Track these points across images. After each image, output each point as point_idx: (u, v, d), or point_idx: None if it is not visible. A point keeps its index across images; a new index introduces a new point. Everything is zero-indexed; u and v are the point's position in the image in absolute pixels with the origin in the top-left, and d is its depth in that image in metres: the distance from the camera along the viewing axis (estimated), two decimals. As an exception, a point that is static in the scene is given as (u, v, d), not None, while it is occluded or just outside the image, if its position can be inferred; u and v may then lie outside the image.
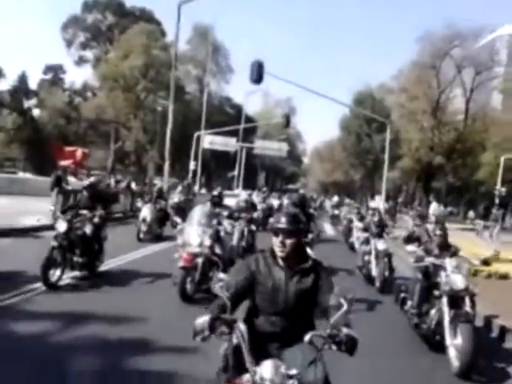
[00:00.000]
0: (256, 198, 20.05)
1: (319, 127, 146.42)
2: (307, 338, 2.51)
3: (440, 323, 5.57)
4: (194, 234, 7.33)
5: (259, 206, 17.49)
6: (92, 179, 9.12)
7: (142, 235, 13.39)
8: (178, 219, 13.82)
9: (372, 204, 22.65)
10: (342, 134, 53.68)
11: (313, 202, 26.52)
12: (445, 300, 5.53)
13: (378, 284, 9.32)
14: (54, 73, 62.30)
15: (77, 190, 19.58)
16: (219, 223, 7.98)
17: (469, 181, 45.93)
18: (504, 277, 10.88)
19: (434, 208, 25.67)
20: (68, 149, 44.87)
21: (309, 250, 6.70)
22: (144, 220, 13.54)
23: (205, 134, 34.58)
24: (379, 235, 10.02)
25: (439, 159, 39.60)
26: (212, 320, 2.51)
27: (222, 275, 2.98)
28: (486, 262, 9.54)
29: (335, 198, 31.20)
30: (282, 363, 2.45)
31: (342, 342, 2.47)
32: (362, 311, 7.44)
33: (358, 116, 40.48)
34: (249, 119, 49.30)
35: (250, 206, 12.94)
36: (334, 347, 2.48)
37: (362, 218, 14.54)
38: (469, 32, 35.16)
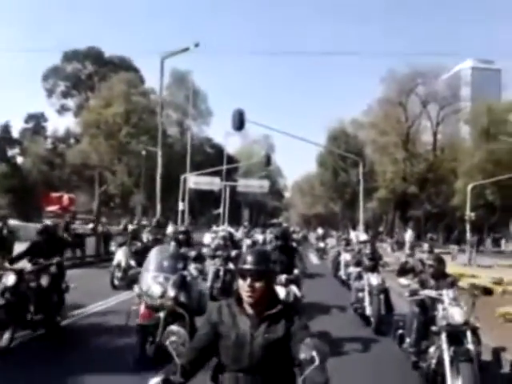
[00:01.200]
0: (239, 234, 20.31)
1: (298, 161, 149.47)
2: None
3: (440, 362, 4.97)
4: (153, 283, 6.06)
5: (244, 242, 17.32)
6: (48, 222, 8.36)
7: (116, 281, 12.11)
8: (132, 262, 11.99)
9: (352, 235, 21.72)
10: (319, 169, 55.78)
11: (295, 235, 25.98)
12: (444, 336, 4.98)
13: (373, 324, 8.45)
14: (36, 121, 63.63)
15: (84, 234, 20.46)
16: (184, 267, 6.71)
17: (445, 207, 48.12)
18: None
19: (410, 235, 27.52)
20: (54, 195, 45.85)
21: (294, 288, 6.79)
22: (118, 265, 12.31)
23: (190, 175, 36.04)
24: (373, 269, 9.17)
25: (413, 188, 41.74)
26: (164, 382, 2.33)
27: (174, 328, 2.62)
28: (497, 283, 10.06)
29: (319, 230, 29.84)
30: None
31: None
32: (357, 352, 7.03)
33: (333, 152, 42.60)
34: (230, 158, 51.01)
35: (229, 243, 12.15)
36: None
37: (351, 251, 13.84)
38: (429, 70, 37.92)
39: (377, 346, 7.43)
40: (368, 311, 8.73)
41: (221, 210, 40.90)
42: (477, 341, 5.12)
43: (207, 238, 16.79)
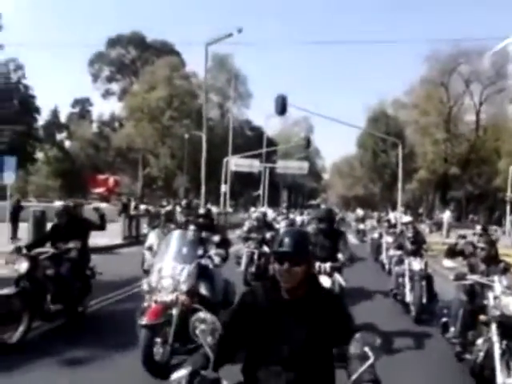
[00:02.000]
0: (277, 215, 19.89)
1: (337, 143, 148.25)
2: None
3: (489, 355, 4.55)
4: (165, 274, 5.21)
5: (282, 223, 16.51)
6: (68, 202, 7.55)
7: (146, 266, 11.54)
8: (146, 253, 9.99)
9: (391, 216, 21.42)
10: (359, 150, 55.86)
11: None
12: (494, 328, 4.55)
13: (413, 312, 7.84)
14: (82, 106, 66.16)
15: (141, 214, 21.67)
16: (203, 254, 5.94)
17: (487, 188, 47.45)
18: None
19: (448, 216, 27.64)
20: (100, 177, 48.15)
21: (339, 277, 6.06)
22: (150, 248, 11.66)
23: (231, 158, 37.09)
24: (415, 253, 8.61)
25: (454, 169, 41.40)
26: (190, 376, 2.07)
27: (203, 315, 2.28)
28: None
29: (359, 211, 28.51)
30: None
31: None
32: (396, 343, 6.41)
33: (373, 134, 42.60)
34: (269, 140, 51.78)
35: (263, 225, 11.35)
36: None
37: (393, 233, 13.39)
38: (473, 49, 37.32)
39: (417, 337, 6.80)
40: (408, 298, 8.12)
41: (260, 192, 41.88)
42: None
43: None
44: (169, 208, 16.59)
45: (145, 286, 5.33)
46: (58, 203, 7.36)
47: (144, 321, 4.87)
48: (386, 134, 37.08)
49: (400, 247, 9.23)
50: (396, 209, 34.98)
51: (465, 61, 38.38)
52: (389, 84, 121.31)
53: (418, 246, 8.80)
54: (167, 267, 5.26)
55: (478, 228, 6.80)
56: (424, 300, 7.80)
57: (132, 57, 61.06)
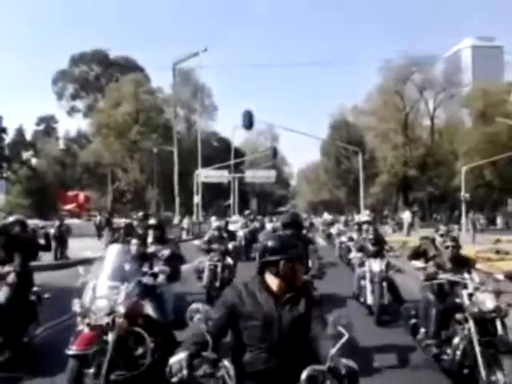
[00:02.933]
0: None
1: (303, 149, 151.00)
2: (305, 374, 2.31)
3: (467, 354, 4.58)
4: (100, 294, 4.68)
5: (240, 233, 16.01)
6: (11, 218, 6.60)
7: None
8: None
9: (357, 218, 21.49)
10: (323, 158, 58.06)
11: (305, 222, 22.28)
12: (472, 325, 4.55)
13: (375, 314, 7.70)
14: (47, 123, 65.95)
15: (121, 227, 21.58)
16: (146, 272, 5.41)
17: (447, 189, 49.82)
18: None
19: (407, 216, 29.39)
20: (70, 193, 48.05)
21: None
22: None
23: (202, 170, 38.10)
24: (377, 254, 8.47)
25: (413, 172, 43.67)
26: (190, 357, 2.29)
27: (196, 305, 2.52)
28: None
29: (327, 216, 28.66)
30: None
31: (343, 375, 2.25)
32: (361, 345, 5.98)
33: (335, 141, 44.49)
34: (236, 150, 53.03)
35: (226, 235, 10.65)
36: (334, 382, 2.30)
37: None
38: (424, 58, 39.72)
39: (380, 338, 6.68)
40: (369, 300, 8.00)
41: (231, 201, 42.99)
42: (504, 330, 4.56)
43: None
44: (128, 221, 14.85)
45: (76, 307, 4.58)
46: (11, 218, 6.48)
47: (72, 350, 4.20)
48: (348, 140, 39.02)
49: (361, 249, 9.07)
50: (360, 212, 36.53)
51: (417, 69, 40.77)
52: (349, 92, 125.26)
53: (380, 247, 8.69)
54: (102, 286, 4.72)
55: (443, 228, 6.69)
56: (385, 301, 7.67)
57: (96, 74, 61.44)
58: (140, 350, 4.56)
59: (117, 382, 4.36)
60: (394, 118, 42.03)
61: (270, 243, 2.62)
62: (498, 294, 4.71)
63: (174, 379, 2.26)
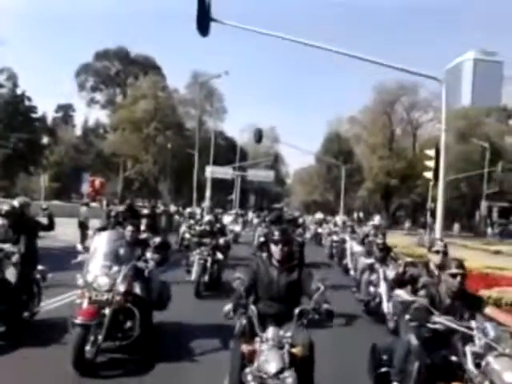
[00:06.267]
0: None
1: (299, 152, 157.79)
2: (297, 310, 3.72)
3: None
4: (101, 273, 5.27)
5: (236, 228, 17.82)
6: (17, 201, 6.86)
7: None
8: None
9: (336, 219, 24.36)
10: (316, 164, 64.90)
11: (301, 219, 20.66)
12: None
13: (391, 324, 7.24)
14: (65, 111, 71.24)
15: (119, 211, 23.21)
16: (140, 257, 5.99)
17: (426, 197, 55.68)
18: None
19: (377, 219, 34.78)
20: (89, 178, 52.56)
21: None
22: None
23: (209, 166, 43.44)
24: (383, 260, 8.35)
25: (395, 182, 50.03)
26: (234, 306, 3.74)
27: (238, 274, 4.19)
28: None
29: (318, 215, 29.04)
30: (280, 329, 3.64)
31: (322, 313, 3.67)
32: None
33: (328, 151, 50.70)
34: (241, 150, 58.68)
35: (217, 230, 10.60)
36: (316, 317, 3.73)
37: (357, 238, 13.06)
38: (413, 83, 46.02)
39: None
40: (386, 309, 7.57)
41: (233, 196, 48.77)
42: None
43: (226, 219, 20.14)
44: (120, 209, 14.43)
45: (80, 282, 5.37)
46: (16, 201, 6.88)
47: (79, 320, 4.84)
48: (339, 150, 45.09)
49: (369, 253, 8.85)
50: (351, 214, 41.53)
51: (404, 94, 47.15)
52: (347, 103, 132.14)
53: (386, 253, 8.53)
54: (102, 265, 5.37)
55: (440, 244, 5.14)
56: None
57: (116, 69, 66.27)
58: (129, 324, 5.36)
59: (108, 350, 5.30)
60: (382, 132, 48.49)
61: (273, 230, 4.33)
62: None
63: (226, 317, 3.77)
